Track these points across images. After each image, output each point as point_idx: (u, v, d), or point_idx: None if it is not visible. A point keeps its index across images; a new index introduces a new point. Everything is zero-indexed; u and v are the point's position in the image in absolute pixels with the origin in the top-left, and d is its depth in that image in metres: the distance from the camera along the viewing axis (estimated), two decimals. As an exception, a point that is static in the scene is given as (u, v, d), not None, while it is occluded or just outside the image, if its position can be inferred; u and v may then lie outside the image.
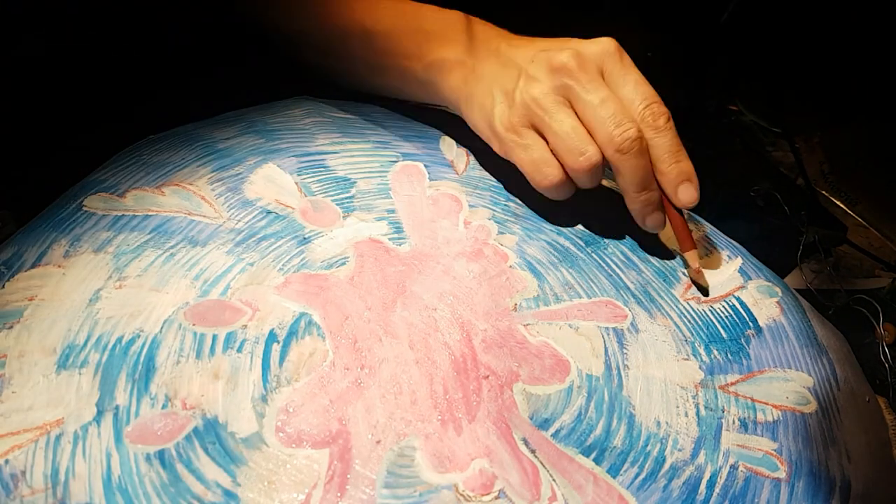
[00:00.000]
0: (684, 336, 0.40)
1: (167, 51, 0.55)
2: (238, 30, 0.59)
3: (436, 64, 0.46)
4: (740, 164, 0.70)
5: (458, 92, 0.46)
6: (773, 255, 0.50)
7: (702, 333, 0.41)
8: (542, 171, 0.41)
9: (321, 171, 0.46)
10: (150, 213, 0.42)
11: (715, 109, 0.78)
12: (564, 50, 0.40)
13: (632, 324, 0.40)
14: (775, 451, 0.35)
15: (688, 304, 0.42)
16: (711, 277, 0.44)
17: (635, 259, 0.45)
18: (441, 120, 0.55)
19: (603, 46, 0.41)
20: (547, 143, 0.41)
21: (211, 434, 0.31)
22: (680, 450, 0.34)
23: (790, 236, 0.59)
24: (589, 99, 0.39)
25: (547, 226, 0.46)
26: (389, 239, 0.43)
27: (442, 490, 0.30)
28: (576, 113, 0.41)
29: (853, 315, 0.51)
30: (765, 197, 0.64)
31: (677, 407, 0.36)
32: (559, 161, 0.41)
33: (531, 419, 0.34)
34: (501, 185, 0.49)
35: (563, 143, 0.40)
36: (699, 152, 0.69)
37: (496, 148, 0.44)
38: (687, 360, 0.39)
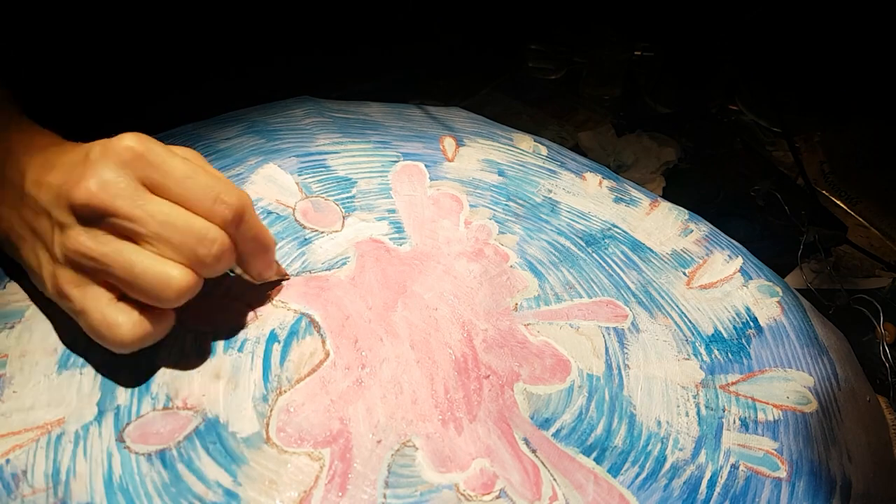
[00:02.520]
0: (685, 336, 0.40)
1: (168, 52, 0.55)
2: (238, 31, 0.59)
3: None
4: (740, 164, 0.70)
5: (12, 256, 0.35)
6: (773, 255, 0.50)
7: (702, 333, 0.41)
8: (112, 330, 0.30)
9: (322, 171, 0.46)
10: (150, 213, 0.42)
11: (717, 110, 0.78)
12: (79, 182, 0.30)
13: (632, 323, 0.40)
14: (776, 450, 0.35)
15: (689, 303, 0.42)
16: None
17: (636, 259, 0.45)
18: (442, 120, 0.55)
19: (122, 156, 0.30)
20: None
21: (212, 434, 0.31)
22: (681, 449, 0.34)
23: (790, 236, 0.59)
24: (149, 229, 0.30)
25: (548, 225, 0.46)
26: (390, 239, 0.43)
27: (443, 490, 0.30)
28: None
29: (854, 315, 0.51)
30: (765, 197, 0.64)
31: (678, 406, 0.36)
32: (137, 300, 0.31)
33: (532, 419, 0.34)
34: (502, 185, 0.49)
35: (143, 287, 0.30)
36: (700, 152, 0.70)
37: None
38: (688, 359, 0.39)
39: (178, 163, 0.31)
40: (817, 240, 0.58)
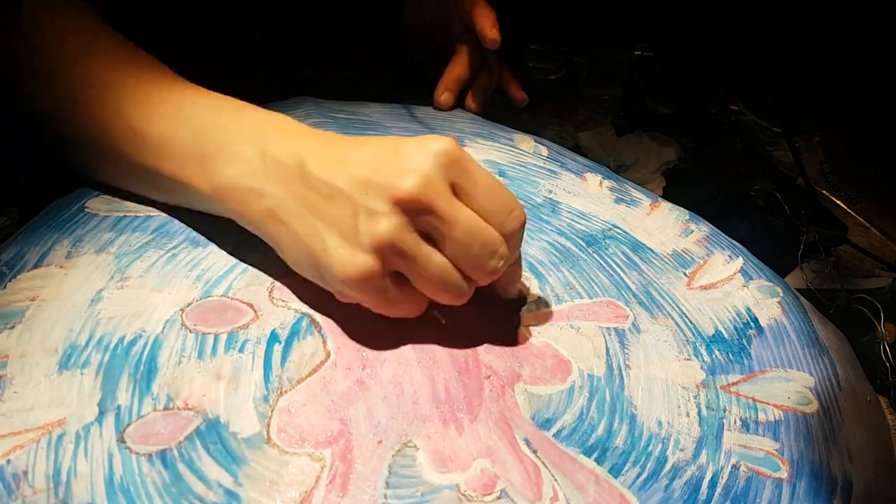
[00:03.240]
0: (686, 336, 0.40)
1: (166, 53, 0.55)
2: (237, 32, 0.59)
3: (224, 190, 0.36)
4: (740, 164, 0.70)
5: (266, 229, 0.36)
6: (773, 255, 0.50)
7: (703, 333, 0.41)
8: (412, 310, 0.36)
9: (322, 172, 0.46)
10: (151, 214, 0.42)
11: (717, 110, 0.78)
12: (405, 175, 0.31)
13: (633, 324, 0.40)
14: (777, 450, 0.35)
15: (689, 304, 0.42)
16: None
17: (636, 259, 0.45)
18: (442, 120, 0.55)
19: (442, 157, 0.32)
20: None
21: (213, 434, 0.31)
22: (682, 450, 0.34)
23: (790, 236, 0.59)
24: (454, 234, 0.32)
25: (548, 226, 0.47)
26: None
27: (444, 490, 0.30)
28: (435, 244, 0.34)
29: (854, 315, 0.51)
30: (765, 197, 0.64)
31: (679, 407, 0.36)
32: (424, 292, 0.35)
33: (533, 419, 0.34)
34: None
35: (435, 286, 0.34)
36: (700, 152, 0.69)
37: (341, 298, 0.35)
38: (688, 360, 0.39)
39: (485, 172, 0.34)
40: (817, 240, 0.58)
